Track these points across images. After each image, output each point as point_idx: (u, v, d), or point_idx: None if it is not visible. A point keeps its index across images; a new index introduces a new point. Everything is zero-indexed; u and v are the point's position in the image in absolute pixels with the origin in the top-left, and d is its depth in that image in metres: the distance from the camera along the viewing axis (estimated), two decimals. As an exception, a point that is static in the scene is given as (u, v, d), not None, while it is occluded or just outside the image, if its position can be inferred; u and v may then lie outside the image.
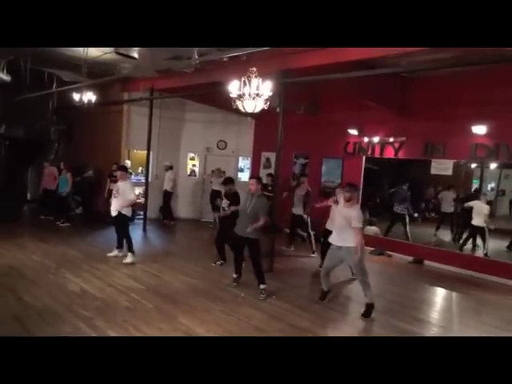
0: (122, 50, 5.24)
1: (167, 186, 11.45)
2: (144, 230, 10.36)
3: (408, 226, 9.36)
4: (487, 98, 7.43)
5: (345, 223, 5.42)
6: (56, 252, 7.57)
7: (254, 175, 7.56)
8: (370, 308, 5.41)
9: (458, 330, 5.30)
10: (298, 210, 8.87)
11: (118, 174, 7.46)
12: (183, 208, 12.52)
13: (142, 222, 10.56)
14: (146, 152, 10.48)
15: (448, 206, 9.45)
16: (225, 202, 7.14)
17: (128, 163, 12.11)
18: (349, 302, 6.16)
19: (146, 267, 7.00)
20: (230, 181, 7.34)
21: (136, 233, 10.28)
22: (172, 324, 4.69)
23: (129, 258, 7.17)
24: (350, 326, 5.23)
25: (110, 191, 10.53)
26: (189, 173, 12.69)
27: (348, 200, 5.49)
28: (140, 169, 12.60)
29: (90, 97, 8.69)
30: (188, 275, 6.68)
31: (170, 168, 11.46)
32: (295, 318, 5.16)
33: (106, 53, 8.01)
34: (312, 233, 8.84)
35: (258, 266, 5.92)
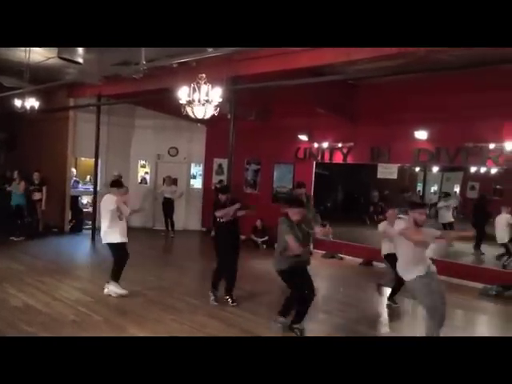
0: (66, 55, 5.06)
1: None
2: (93, 239, 10.02)
3: None
4: (428, 104, 7.81)
5: (423, 249, 4.40)
6: (-3, 266, 7.19)
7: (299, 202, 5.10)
8: None
9: (409, 330, 5.51)
10: None
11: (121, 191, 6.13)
12: (134, 216, 12.22)
13: (90, 231, 10.23)
14: (93, 160, 10.19)
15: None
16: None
17: (73, 172, 11.72)
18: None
19: (95, 278, 6.77)
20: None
21: (84, 243, 9.99)
22: (121, 336, 4.56)
23: (112, 286, 5.99)
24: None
25: (34, 201, 10.16)
26: (140, 180, 12.44)
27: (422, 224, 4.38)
28: (88, 177, 12.24)
29: (32, 103, 8.33)
30: (140, 285, 6.51)
31: (120, 177, 11.14)
32: (251, 325, 5.15)
33: (49, 58, 7.72)
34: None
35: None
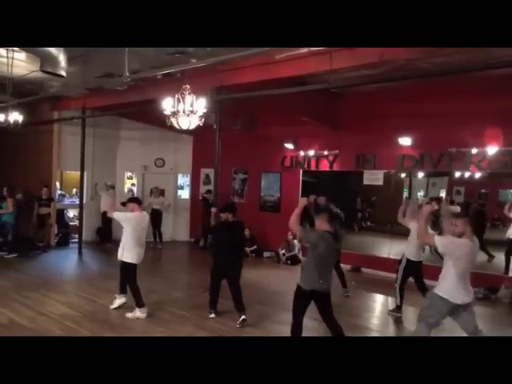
0: (48, 68, 5.04)
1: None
2: (79, 253, 9.91)
3: None
4: (411, 111, 7.90)
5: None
6: (-19, 282, 7.06)
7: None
8: None
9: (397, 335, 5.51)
10: None
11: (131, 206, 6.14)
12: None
13: (77, 245, 10.11)
14: (79, 173, 10.11)
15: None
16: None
17: (57, 185, 11.59)
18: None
19: (82, 292, 6.69)
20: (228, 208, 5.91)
21: (71, 257, 9.88)
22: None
23: (138, 313, 5.66)
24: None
25: (40, 216, 10.08)
26: (127, 192, 12.35)
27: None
28: (74, 190, 12.14)
29: (16, 117, 8.25)
30: (127, 297, 6.41)
31: (112, 187, 11.01)
32: (241, 335, 5.12)
33: (31, 71, 7.66)
34: None
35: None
